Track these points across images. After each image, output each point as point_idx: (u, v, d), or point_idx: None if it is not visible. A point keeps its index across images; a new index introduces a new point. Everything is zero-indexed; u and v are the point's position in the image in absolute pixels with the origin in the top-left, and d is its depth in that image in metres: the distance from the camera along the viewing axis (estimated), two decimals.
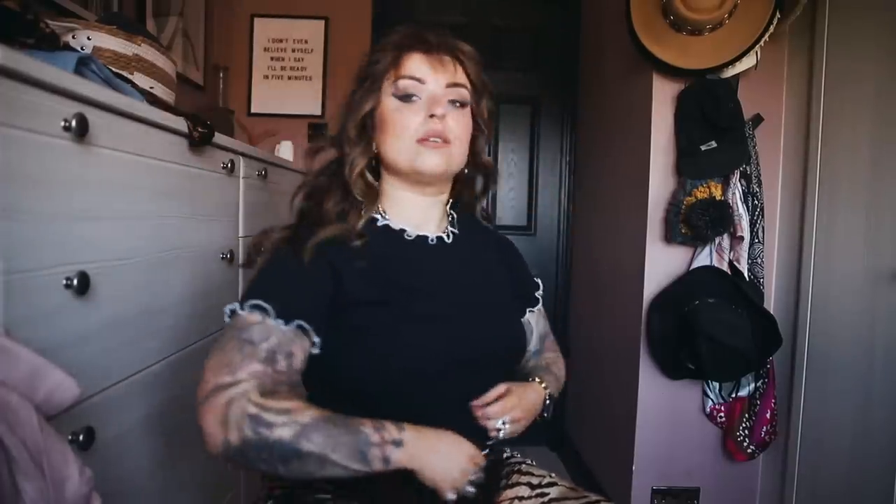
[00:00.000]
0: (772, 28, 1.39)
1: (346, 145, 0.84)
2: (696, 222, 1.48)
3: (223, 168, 1.19)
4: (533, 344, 0.99)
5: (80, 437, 0.73)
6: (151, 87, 1.09)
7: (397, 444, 0.66)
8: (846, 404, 1.38)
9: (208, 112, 2.00)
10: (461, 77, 0.82)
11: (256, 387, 0.66)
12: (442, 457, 0.69)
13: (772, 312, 1.54)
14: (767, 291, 1.62)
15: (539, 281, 1.01)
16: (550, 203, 2.58)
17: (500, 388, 0.81)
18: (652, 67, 1.56)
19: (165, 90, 1.15)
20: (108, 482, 0.77)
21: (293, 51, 2.42)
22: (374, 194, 0.84)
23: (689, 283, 1.54)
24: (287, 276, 0.75)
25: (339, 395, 0.75)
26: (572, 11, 2.48)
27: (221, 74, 2.24)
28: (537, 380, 0.91)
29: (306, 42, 2.42)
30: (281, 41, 2.42)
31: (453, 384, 0.78)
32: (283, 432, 0.63)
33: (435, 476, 0.68)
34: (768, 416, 1.54)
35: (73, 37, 0.97)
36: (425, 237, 0.86)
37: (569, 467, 2.34)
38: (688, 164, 1.54)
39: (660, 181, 1.61)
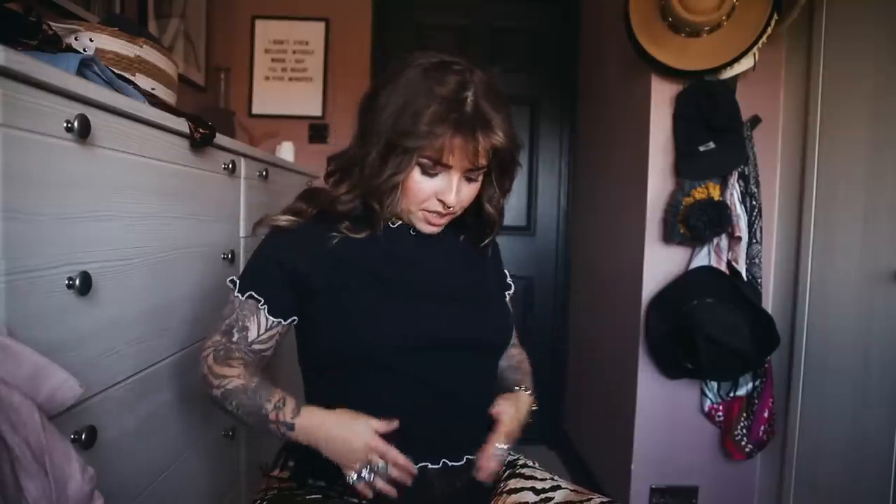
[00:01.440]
0: (769, 30, 1.39)
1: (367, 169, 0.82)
2: (694, 223, 1.48)
3: (224, 169, 1.20)
4: None
5: (83, 437, 0.73)
6: (153, 89, 1.09)
7: (289, 427, 0.75)
8: (843, 403, 1.39)
9: (209, 113, 2.01)
10: (486, 158, 0.80)
11: (212, 353, 0.81)
12: (335, 442, 0.74)
13: (769, 312, 1.54)
14: (765, 291, 1.62)
15: (511, 283, 1.06)
16: (549, 203, 2.59)
17: (500, 419, 0.83)
18: (650, 69, 1.56)
19: (167, 91, 1.15)
20: (109, 481, 0.78)
21: (294, 52, 2.43)
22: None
23: (688, 284, 1.55)
24: (261, 254, 0.85)
25: (324, 365, 0.84)
26: (572, 13, 2.49)
27: (222, 76, 2.24)
28: (523, 387, 0.92)
29: (307, 43, 2.42)
30: (282, 42, 2.42)
31: (438, 366, 0.81)
32: (216, 392, 0.79)
33: (332, 458, 0.75)
34: (766, 415, 1.55)
35: (76, 38, 0.98)
36: (407, 227, 0.88)
37: (567, 466, 2.34)
38: (686, 165, 1.54)
39: (658, 182, 1.61)
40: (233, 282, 0.85)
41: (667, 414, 1.65)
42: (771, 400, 1.55)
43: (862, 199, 1.35)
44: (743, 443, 1.57)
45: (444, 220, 0.84)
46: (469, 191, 0.83)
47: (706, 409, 1.63)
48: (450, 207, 0.81)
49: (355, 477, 0.73)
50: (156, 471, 0.96)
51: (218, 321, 0.85)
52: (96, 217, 0.77)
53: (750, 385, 1.57)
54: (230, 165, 1.22)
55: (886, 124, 1.28)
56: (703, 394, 1.63)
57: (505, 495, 0.86)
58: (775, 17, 1.39)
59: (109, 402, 0.82)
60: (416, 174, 0.79)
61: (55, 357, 0.64)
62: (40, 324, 0.67)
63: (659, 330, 1.58)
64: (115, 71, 0.92)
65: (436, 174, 0.80)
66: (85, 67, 0.80)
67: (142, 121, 0.87)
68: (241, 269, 0.88)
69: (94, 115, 0.74)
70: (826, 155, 1.46)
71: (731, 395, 1.59)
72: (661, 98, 1.59)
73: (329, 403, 0.78)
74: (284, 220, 0.84)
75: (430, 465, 0.79)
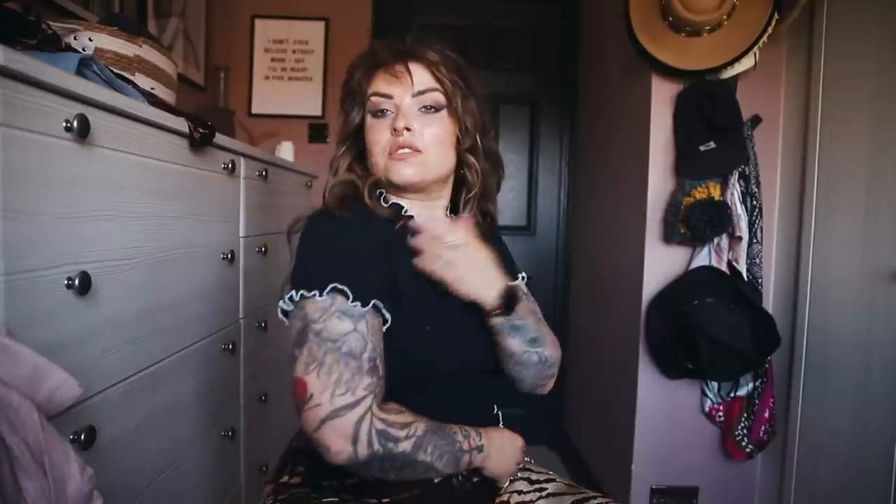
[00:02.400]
0: (770, 29, 1.39)
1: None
2: (694, 222, 1.48)
3: (224, 168, 1.20)
4: None
5: (82, 437, 0.73)
6: (152, 88, 1.09)
7: (479, 449, 0.76)
8: (844, 403, 1.38)
9: (209, 113, 2.01)
10: (430, 82, 0.82)
11: (375, 401, 0.68)
12: (503, 454, 0.80)
13: (770, 312, 1.54)
14: (766, 291, 1.62)
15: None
16: (550, 203, 2.58)
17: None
18: (651, 68, 1.56)
19: (166, 91, 1.15)
20: (109, 481, 0.77)
21: (293, 51, 2.43)
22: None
23: (688, 283, 1.54)
24: (351, 251, 0.73)
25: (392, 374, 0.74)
26: (572, 12, 2.48)
27: (222, 75, 2.24)
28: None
29: (307, 43, 2.42)
30: (281, 42, 2.42)
31: (478, 377, 0.84)
32: (406, 445, 0.69)
33: (497, 470, 0.80)
34: (767, 415, 1.54)
35: (75, 38, 0.98)
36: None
37: (568, 466, 2.34)
38: (687, 165, 1.54)
39: (659, 181, 1.61)
40: (338, 289, 0.69)
41: (667, 414, 1.65)
42: (772, 400, 1.55)
43: (863, 199, 1.34)
44: (744, 443, 1.56)
45: (413, 157, 0.80)
46: (431, 130, 0.81)
47: (707, 409, 1.62)
48: (401, 136, 0.79)
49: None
50: (155, 471, 0.96)
51: (335, 363, 0.67)
52: (96, 217, 0.77)
53: (750, 385, 1.57)
54: (230, 165, 1.21)
55: (887, 124, 1.28)
56: (704, 394, 1.62)
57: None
58: (776, 16, 1.39)
59: (109, 402, 0.82)
60: (369, 121, 0.83)
61: (54, 357, 0.64)
62: (39, 323, 0.67)
63: (659, 330, 1.58)
64: (115, 70, 0.92)
65: (384, 112, 0.82)
66: (84, 67, 0.80)
67: (141, 120, 0.87)
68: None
69: (94, 115, 0.74)
70: (827, 154, 1.46)
71: (732, 395, 1.59)
72: (662, 97, 1.59)
73: None
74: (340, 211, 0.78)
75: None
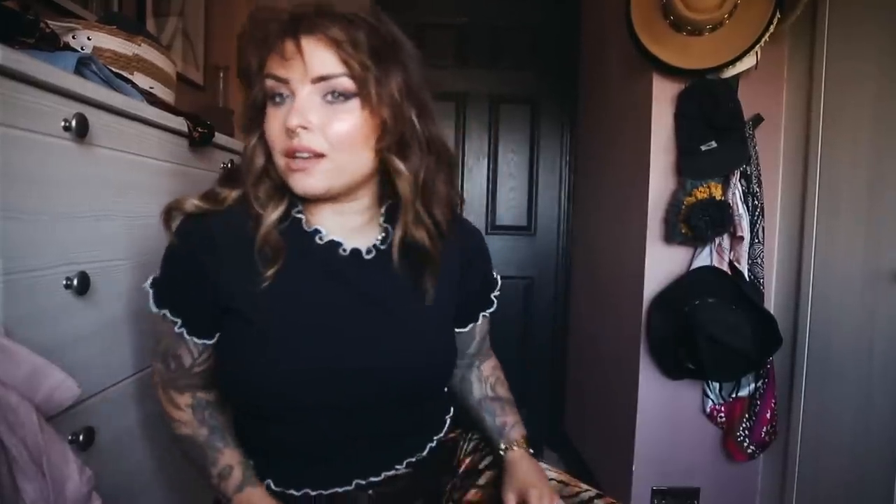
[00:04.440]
0: (772, 28, 1.39)
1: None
2: (696, 222, 1.47)
3: (223, 168, 1.20)
4: (472, 347, 0.91)
5: (80, 437, 0.73)
6: (151, 87, 1.09)
7: (227, 501, 0.74)
8: (846, 404, 1.38)
9: (208, 112, 2.00)
10: (333, 65, 0.65)
11: (160, 384, 0.76)
12: None
13: (772, 312, 1.54)
14: (767, 291, 1.62)
15: (498, 278, 0.90)
16: (550, 203, 2.58)
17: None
18: (652, 67, 1.56)
19: (165, 90, 1.15)
20: (107, 482, 0.77)
21: None
22: (279, 197, 0.72)
23: (690, 283, 1.54)
24: (172, 264, 0.72)
25: (230, 396, 0.77)
26: (572, 11, 2.48)
27: (221, 74, 2.23)
28: (514, 436, 0.84)
29: None
30: None
31: (345, 399, 0.72)
32: (171, 431, 0.76)
33: None
34: (768, 416, 1.54)
35: (74, 37, 0.97)
36: (338, 244, 0.74)
37: (569, 467, 2.34)
38: (688, 164, 1.54)
39: (660, 181, 1.61)
40: (153, 290, 0.72)
41: (668, 415, 1.64)
42: (773, 401, 1.55)
43: (865, 199, 1.34)
44: (745, 444, 1.56)
45: (314, 165, 0.66)
46: (338, 126, 0.66)
47: (708, 409, 1.62)
48: (296, 137, 0.65)
49: None
50: (154, 472, 0.96)
51: (157, 337, 0.76)
52: (94, 216, 0.77)
53: (752, 386, 1.56)
54: (229, 164, 1.21)
55: (889, 124, 1.28)
56: (705, 394, 1.62)
57: (489, 472, 0.85)
58: (777, 15, 1.38)
59: (108, 402, 0.81)
60: (268, 106, 0.68)
61: (53, 357, 0.64)
62: (38, 324, 0.67)
63: (660, 330, 1.57)
64: (114, 69, 0.92)
65: (281, 98, 0.67)
66: (83, 66, 0.80)
67: (140, 120, 0.87)
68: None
69: (92, 114, 0.74)
70: (828, 154, 1.46)
71: (733, 395, 1.58)
72: (663, 97, 1.59)
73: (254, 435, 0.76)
74: (194, 204, 0.71)
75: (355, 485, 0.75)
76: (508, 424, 0.87)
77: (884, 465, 1.25)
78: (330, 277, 0.73)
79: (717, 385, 1.61)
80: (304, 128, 0.65)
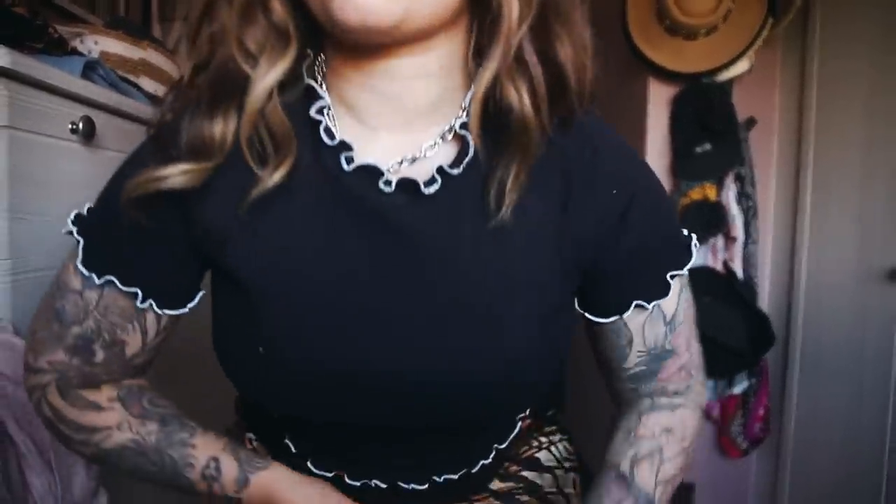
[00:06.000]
0: (765, 32, 1.41)
1: None
2: (690, 223, 1.49)
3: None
4: (630, 360, 0.59)
5: None
6: (157, 91, 1.10)
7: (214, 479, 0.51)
8: (838, 401, 1.40)
9: None
10: None
11: (53, 386, 0.50)
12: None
13: (765, 311, 1.56)
14: (761, 291, 1.63)
15: (693, 239, 0.56)
16: None
17: None
18: (648, 71, 1.57)
19: None
20: (114, 477, 0.78)
21: None
22: (281, 46, 0.42)
23: None
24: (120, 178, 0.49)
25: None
26: None
27: None
28: None
29: None
30: None
31: (359, 410, 0.49)
32: (81, 450, 0.51)
33: None
34: (762, 412, 1.56)
35: (81, 41, 0.99)
36: (377, 172, 0.44)
37: None
38: (683, 166, 1.55)
39: None
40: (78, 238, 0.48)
41: None
42: (766, 398, 1.57)
43: (856, 199, 1.36)
44: (739, 440, 1.58)
45: None
46: None
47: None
48: None
49: None
50: None
51: (46, 313, 0.50)
52: None
53: (746, 383, 1.58)
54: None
55: (880, 123, 1.30)
56: None
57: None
58: (770, 19, 1.41)
59: None
60: None
61: None
62: None
63: None
64: (120, 73, 0.93)
65: None
66: (90, 70, 0.82)
67: (146, 122, 0.88)
68: None
69: (99, 117, 0.76)
70: (821, 156, 1.48)
71: (727, 392, 1.60)
72: (659, 100, 1.60)
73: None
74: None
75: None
76: None
77: (873, 460, 1.27)
78: (362, 223, 0.45)
79: (711, 382, 1.63)
80: None
